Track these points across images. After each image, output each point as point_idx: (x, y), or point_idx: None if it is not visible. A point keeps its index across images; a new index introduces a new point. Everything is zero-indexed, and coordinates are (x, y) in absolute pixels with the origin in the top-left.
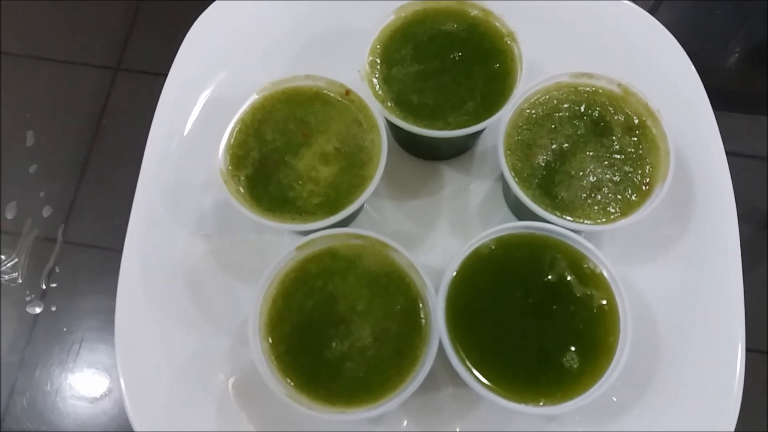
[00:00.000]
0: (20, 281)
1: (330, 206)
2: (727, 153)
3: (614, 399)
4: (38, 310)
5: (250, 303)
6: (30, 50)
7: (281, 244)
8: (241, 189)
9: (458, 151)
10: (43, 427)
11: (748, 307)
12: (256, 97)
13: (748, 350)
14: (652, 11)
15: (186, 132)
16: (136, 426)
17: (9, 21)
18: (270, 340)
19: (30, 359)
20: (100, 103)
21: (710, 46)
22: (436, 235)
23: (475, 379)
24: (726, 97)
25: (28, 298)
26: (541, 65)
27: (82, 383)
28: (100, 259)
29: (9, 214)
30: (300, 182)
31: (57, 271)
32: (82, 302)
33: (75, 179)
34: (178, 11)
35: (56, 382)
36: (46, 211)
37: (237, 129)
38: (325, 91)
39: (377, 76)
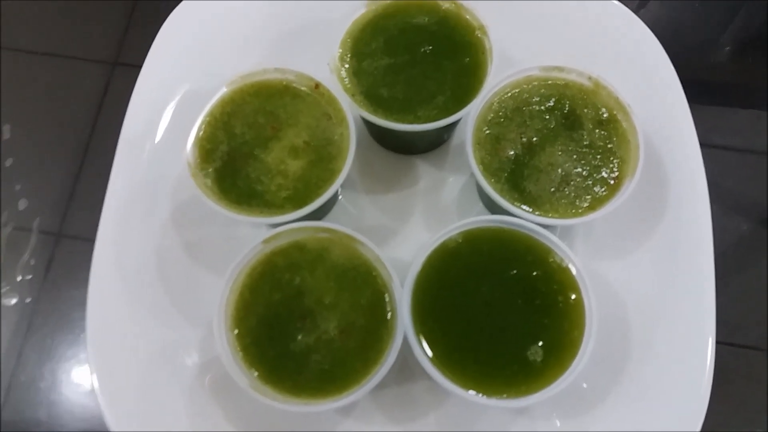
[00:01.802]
0: None
1: (298, 200)
2: (726, 148)
3: (584, 386)
4: (13, 301)
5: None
6: (26, 45)
7: (253, 238)
8: (209, 182)
9: (432, 145)
10: (16, 416)
11: (747, 303)
12: (225, 90)
13: (747, 347)
14: (640, 6)
15: (159, 126)
16: (107, 417)
17: (5, 15)
18: (236, 332)
19: (4, 351)
20: (96, 98)
21: (699, 41)
22: (410, 229)
23: (439, 371)
24: (725, 91)
25: (3, 290)
26: (513, 59)
27: (57, 374)
28: (76, 252)
29: None
30: (269, 176)
31: (32, 263)
32: (57, 294)
33: (52, 172)
34: (176, 5)
35: (31, 373)
36: (22, 204)
37: (206, 122)
38: (294, 85)
39: (347, 69)
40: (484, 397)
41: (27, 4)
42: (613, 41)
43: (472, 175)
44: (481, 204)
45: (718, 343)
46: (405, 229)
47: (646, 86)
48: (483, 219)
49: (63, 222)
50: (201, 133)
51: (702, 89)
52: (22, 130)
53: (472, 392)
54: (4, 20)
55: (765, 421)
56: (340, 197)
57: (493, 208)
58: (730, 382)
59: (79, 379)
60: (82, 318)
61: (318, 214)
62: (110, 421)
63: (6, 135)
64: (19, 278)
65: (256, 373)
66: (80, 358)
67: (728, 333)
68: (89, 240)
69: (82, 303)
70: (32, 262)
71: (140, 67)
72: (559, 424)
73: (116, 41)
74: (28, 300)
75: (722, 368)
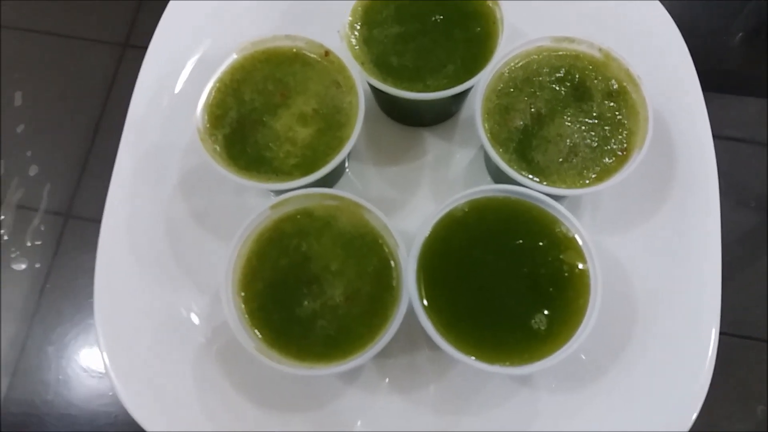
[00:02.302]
0: (6, 238)
1: (306, 167)
2: (731, 138)
3: (583, 357)
4: (23, 266)
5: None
6: (37, 25)
7: (261, 205)
8: (218, 148)
9: (441, 116)
10: (24, 379)
11: (750, 294)
12: (235, 56)
13: (749, 338)
14: None
15: (169, 93)
16: (116, 384)
17: None
18: (243, 296)
19: (13, 315)
20: (109, 75)
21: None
22: (417, 201)
23: (443, 338)
24: (733, 80)
25: (12, 255)
26: (524, 29)
27: (66, 339)
28: (85, 218)
29: None
30: (277, 143)
31: (42, 229)
32: (67, 260)
33: (69, 139)
34: None
35: (40, 338)
36: (33, 170)
37: (215, 88)
38: (304, 52)
39: (357, 36)
40: (487, 363)
41: None
42: (624, 15)
43: (481, 148)
44: (489, 177)
45: (721, 333)
46: (412, 201)
47: (657, 61)
48: (490, 188)
49: (74, 189)
50: (211, 99)
51: (709, 77)
52: (33, 98)
53: (473, 358)
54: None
55: (765, 411)
56: (347, 169)
57: (500, 179)
58: (731, 374)
59: (87, 344)
60: (92, 284)
61: (325, 184)
62: (118, 387)
63: (17, 102)
64: (29, 244)
65: (261, 337)
66: (89, 323)
67: (731, 324)
68: (99, 206)
69: (91, 269)
70: (42, 228)
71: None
72: (561, 397)
73: (127, 23)
74: (37, 265)
75: (724, 358)
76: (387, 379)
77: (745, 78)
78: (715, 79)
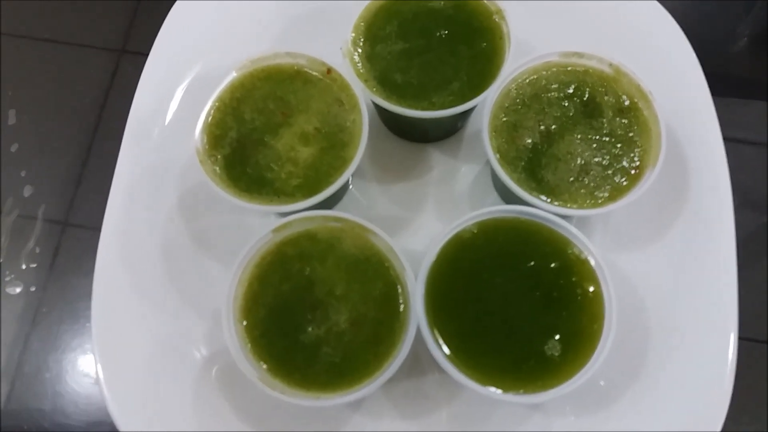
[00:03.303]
0: (0, 261)
1: (309, 188)
2: (738, 141)
3: (602, 383)
4: (18, 290)
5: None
6: (32, 31)
7: (262, 227)
8: (217, 169)
9: (446, 133)
10: (20, 406)
11: (750, 297)
12: (235, 75)
13: (749, 340)
14: None
15: (166, 113)
16: (112, 410)
17: (9, 4)
18: (245, 324)
19: (7, 340)
20: (103, 85)
21: (716, 31)
22: (422, 220)
23: (454, 365)
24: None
25: (7, 278)
26: (531, 44)
27: (62, 365)
28: (82, 239)
29: None
30: (279, 163)
31: (37, 251)
32: (63, 283)
33: (59, 159)
34: None
35: (35, 364)
36: (27, 191)
37: (215, 108)
38: (306, 69)
39: (360, 53)
40: (501, 392)
41: None
42: (632, 28)
43: (487, 164)
44: (495, 194)
45: None
46: (417, 219)
47: (667, 75)
48: (499, 209)
49: (69, 210)
50: (210, 118)
51: (715, 81)
52: (27, 115)
53: (491, 388)
54: (11, 6)
55: (766, 413)
56: (350, 187)
57: (508, 198)
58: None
59: (84, 370)
60: (88, 308)
61: (328, 204)
62: (115, 414)
63: (11, 120)
64: (23, 266)
65: (264, 366)
66: (86, 348)
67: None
68: (95, 228)
69: (88, 292)
70: (37, 250)
71: (147, 55)
72: (575, 421)
73: (123, 29)
74: (33, 289)
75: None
76: (393, 406)
77: (747, 81)
78: (717, 83)
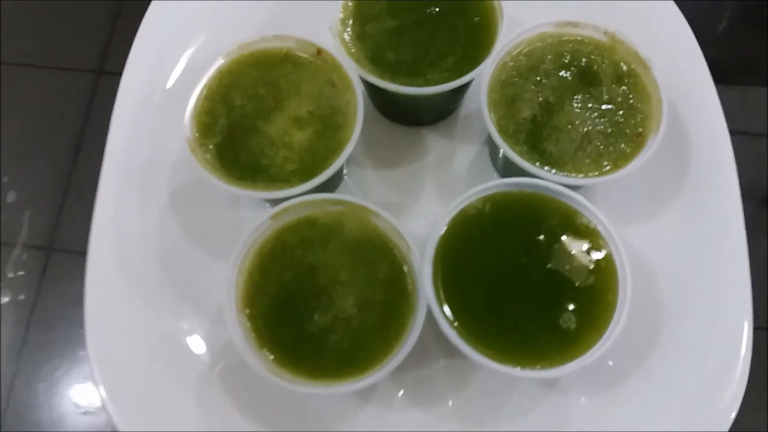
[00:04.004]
0: None
1: (305, 172)
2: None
3: (610, 363)
4: (6, 299)
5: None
6: (11, 57)
7: (259, 216)
8: (209, 158)
9: (441, 113)
10: (15, 419)
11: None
12: (223, 61)
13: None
14: None
15: (152, 105)
16: (113, 414)
17: None
18: (248, 314)
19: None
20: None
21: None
22: (423, 204)
23: (467, 344)
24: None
25: None
26: (524, 16)
27: (56, 374)
28: (71, 243)
29: None
30: (273, 148)
31: (24, 258)
32: (53, 289)
33: (48, 166)
34: None
35: (29, 374)
36: (11, 197)
37: (203, 96)
38: (295, 52)
39: (350, 33)
40: (519, 368)
41: (8, 16)
42: (626, 3)
43: (484, 144)
44: (495, 174)
45: None
46: (417, 204)
47: (662, 45)
48: (503, 182)
49: (57, 214)
50: (199, 107)
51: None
52: (10, 125)
53: (507, 366)
54: None
55: (766, 401)
56: (345, 176)
57: (509, 174)
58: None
59: (79, 378)
60: (80, 313)
61: (324, 188)
62: (116, 419)
63: None
64: (11, 275)
65: (272, 357)
66: (79, 355)
67: None
68: (84, 231)
69: (79, 297)
70: (24, 257)
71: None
72: (584, 403)
73: (100, 51)
74: (21, 297)
75: None
76: (401, 392)
77: (742, 67)
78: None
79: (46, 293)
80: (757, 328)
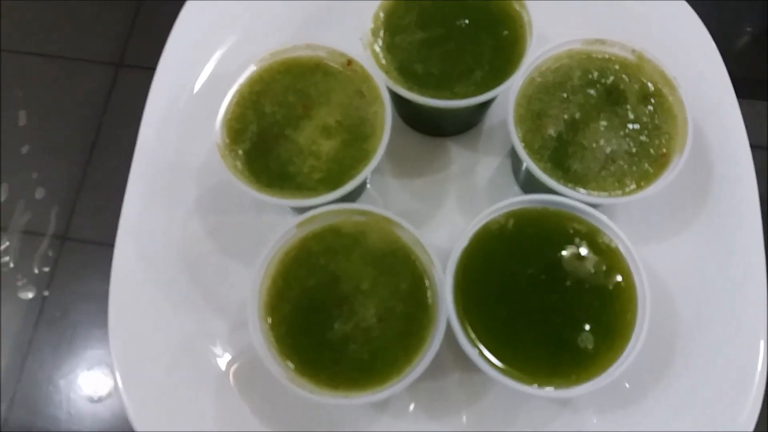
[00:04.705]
0: (12, 266)
1: (332, 181)
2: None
3: (627, 385)
4: (30, 295)
5: (249, 283)
6: (32, 47)
7: (283, 223)
8: (239, 164)
9: (465, 125)
10: (34, 416)
11: None
12: (254, 68)
13: None
14: None
15: (183, 109)
16: (131, 414)
17: (10, 18)
18: (270, 321)
19: (22, 345)
20: (103, 96)
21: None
22: (444, 214)
23: (485, 360)
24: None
25: (19, 283)
26: (552, 32)
27: (77, 370)
28: (96, 242)
29: (0, 196)
30: (301, 157)
31: (50, 254)
32: (77, 287)
33: (71, 160)
34: (181, 6)
35: (48, 369)
36: (39, 193)
37: (234, 102)
38: (326, 61)
39: (380, 44)
40: (536, 387)
41: (28, 5)
42: (652, 20)
43: (507, 157)
44: (516, 187)
45: None
46: (438, 214)
47: (689, 65)
48: (527, 199)
49: (78, 210)
50: (230, 113)
51: None
52: (37, 118)
53: (524, 385)
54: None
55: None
56: (368, 185)
57: (531, 189)
58: None
59: (98, 377)
60: (103, 311)
61: (349, 198)
62: (134, 419)
63: (22, 121)
64: (36, 271)
65: (292, 366)
66: (99, 354)
67: None
68: (111, 229)
69: (102, 296)
70: (50, 253)
71: (144, 68)
72: (598, 423)
73: (120, 43)
74: (45, 293)
75: None
76: (414, 405)
77: (748, 81)
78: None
79: (70, 290)
80: None
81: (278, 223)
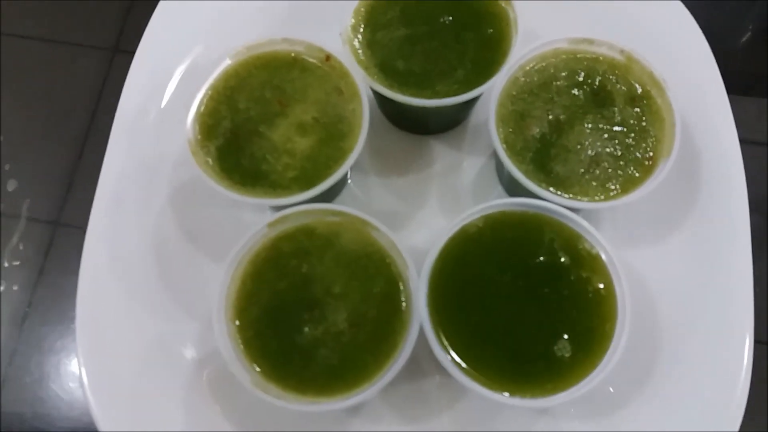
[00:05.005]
0: None
1: (306, 180)
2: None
3: (611, 390)
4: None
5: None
6: (23, 30)
7: (258, 222)
8: (210, 161)
9: (449, 123)
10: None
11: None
12: (229, 62)
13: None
14: None
15: (157, 103)
16: (96, 415)
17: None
18: (237, 324)
19: None
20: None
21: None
22: (425, 215)
23: (458, 367)
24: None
25: None
26: (538, 30)
27: (45, 368)
28: (67, 237)
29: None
30: (275, 154)
31: (21, 248)
32: (48, 281)
33: (43, 154)
34: None
35: (18, 366)
36: (11, 185)
37: (207, 96)
38: (303, 57)
39: (360, 40)
40: (508, 396)
41: None
42: (642, 17)
43: (491, 156)
44: (500, 188)
45: None
46: (419, 214)
47: (679, 65)
48: (506, 202)
49: (58, 207)
50: (202, 108)
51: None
52: (13, 108)
53: (498, 393)
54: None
55: (766, 417)
56: (349, 181)
57: (515, 191)
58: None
59: (68, 374)
60: (74, 308)
61: (326, 198)
62: (99, 420)
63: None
64: (6, 264)
65: (258, 369)
66: (70, 349)
67: None
68: (82, 226)
69: (73, 292)
70: (21, 247)
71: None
72: (581, 426)
73: (116, 28)
74: (15, 288)
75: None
76: (392, 409)
77: (749, 76)
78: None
79: (42, 284)
80: (757, 342)
81: (255, 221)
